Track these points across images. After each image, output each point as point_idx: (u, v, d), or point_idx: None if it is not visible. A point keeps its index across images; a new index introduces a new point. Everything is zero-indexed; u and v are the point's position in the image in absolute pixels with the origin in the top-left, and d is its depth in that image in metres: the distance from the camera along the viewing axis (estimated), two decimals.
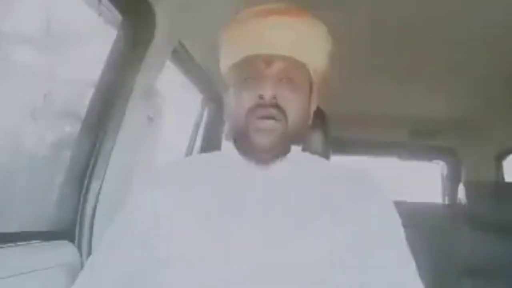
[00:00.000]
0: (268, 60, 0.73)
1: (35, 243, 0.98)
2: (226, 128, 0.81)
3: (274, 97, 0.71)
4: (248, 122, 0.72)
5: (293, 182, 0.74)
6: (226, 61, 0.80)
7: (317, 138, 1.37)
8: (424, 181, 2.87)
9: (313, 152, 0.85)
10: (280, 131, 0.72)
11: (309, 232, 0.69)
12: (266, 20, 0.74)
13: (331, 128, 1.40)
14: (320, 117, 1.27)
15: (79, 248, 1.09)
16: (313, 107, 0.81)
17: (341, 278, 0.66)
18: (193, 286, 0.67)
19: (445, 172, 2.75)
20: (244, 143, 0.75)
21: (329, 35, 0.79)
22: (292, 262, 0.67)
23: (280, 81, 0.73)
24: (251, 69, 0.74)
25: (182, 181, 0.76)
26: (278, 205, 0.71)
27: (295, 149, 0.79)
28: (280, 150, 0.75)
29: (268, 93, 0.71)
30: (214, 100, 1.95)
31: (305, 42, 0.76)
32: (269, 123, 0.71)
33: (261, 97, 0.71)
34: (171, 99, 1.61)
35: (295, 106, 0.73)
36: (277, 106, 0.72)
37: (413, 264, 0.74)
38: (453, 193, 2.39)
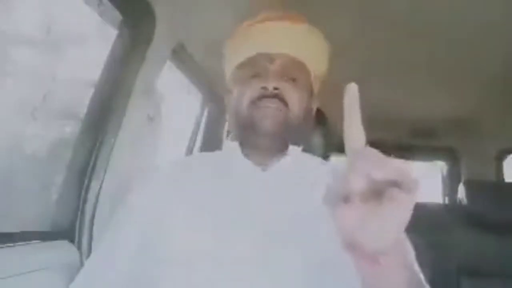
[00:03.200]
0: (272, 57, 0.79)
1: (35, 243, 0.98)
2: (228, 126, 0.83)
3: (277, 88, 0.76)
4: (251, 112, 0.76)
5: (292, 184, 0.74)
6: (231, 64, 0.85)
7: (317, 138, 1.37)
8: (424, 181, 2.87)
9: (313, 152, 0.86)
10: (283, 117, 0.75)
11: (306, 234, 0.69)
12: (269, 25, 0.81)
13: (331, 129, 1.40)
14: (320, 118, 1.27)
15: (79, 248, 1.09)
16: (314, 109, 0.85)
17: (339, 279, 0.65)
18: (193, 285, 0.67)
19: (445, 172, 2.75)
20: (247, 132, 0.77)
21: (327, 41, 0.85)
22: (290, 263, 0.67)
23: (283, 77, 0.78)
24: (255, 67, 0.79)
25: (182, 181, 0.76)
26: (277, 206, 0.71)
27: (296, 150, 0.79)
28: (280, 141, 0.77)
29: (270, 84, 0.75)
30: (214, 100, 1.95)
31: (304, 44, 0.82)
32: (273, 108, 0.75)
33: (264, 88, 0.76)
34: (171, 99, 1.61)
35: (296, 100, 0.77)
36: (279, 96, 0.76)
37: None
38: (453, 193, 2.39)
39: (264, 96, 0.76)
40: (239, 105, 0.78)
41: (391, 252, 0.45)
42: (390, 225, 0.43)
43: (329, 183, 0.44)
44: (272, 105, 0.75)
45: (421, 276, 0.66)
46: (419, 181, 0.41)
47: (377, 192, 0.42)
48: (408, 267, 0.54)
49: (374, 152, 0.43)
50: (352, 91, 0.44)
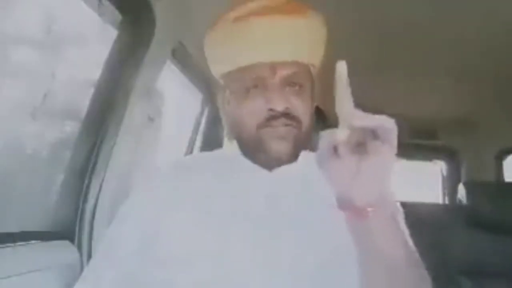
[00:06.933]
0: (272, 67, 0.69)
1: (35, 243, 0.98)
2: (226, 133, 0.79)
3: (286, 108, 0.69)
4: (261, 135, 0.70)
5: (297, 185, 0.72)
6: (220, 67, 0.76)
7: (317, 138, 1.36)
8: (424, 181, 2.87)
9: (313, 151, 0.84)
10: (296, 136, 0.70)
11: (308, 235, 0.68)
12: (266, 21, 0.69)
13: (331, 126, 1.40)
14: (320, 117, 1.26)
15: (79, 248, 1.09)
16: (315, 104, 0.78)
17: (338, 280, 0.65)
18: (193, 285, 0.67)
19: (445, 172, 2.75)
20: (255, 151, 0.72)
21: (325, 25, 0.75)
22: (290, 263, 0.67)
23: (285, 87, 0.70)
24: (253, 78, 0.70)
25: (183, 181, 0.76)
26: (280, 207, 0.71)
27: (303, 152, 0.77)
28: (293, 157, 0.72)
29: (278, 106, 0.68)
30: (214, 100, 1.95)
31: (306, 41, 0.72)
32: (286, 129, 0.69)
33: (271, 110, 0.69)
34: (171, 99, 1.61)
35: (306, 111, 0.71)
36: (290, 115, 0.69)
37: None
38: (453, 193, 2.39)
39: (272, 117, 0.69)
40: (241, 123, 0.71)
41: (378, 207, 0.50)
42: (376, 175, 0.49)
43: (319, 144, 0.49)
44: (283, 124, 0.69)
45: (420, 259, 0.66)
46: (396, 130, 0.47)
47: (362, 145, 0.47)
48: (400, 239, 0.56)
49: (359, 111, 0.48)
50: (341, 68, 0.49)
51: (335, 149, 0.47)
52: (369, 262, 0.56)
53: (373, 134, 0.47)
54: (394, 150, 0.47)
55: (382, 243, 0.53)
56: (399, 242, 0.55)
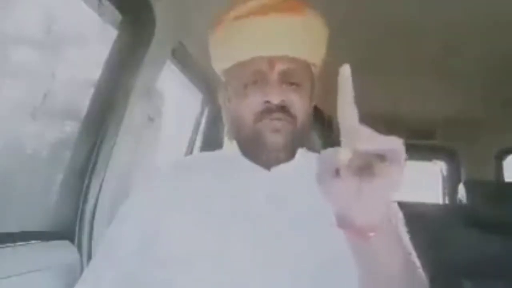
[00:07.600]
0: (271, 61, 0.71)
1: (35, 243, 0.98)
2: (226, 129, 0.80)
3: (282, 100, 0.70)
4: (258, 127, 0.71)
5: (297, 184, 0.72)
6: (221, 63, 0.78)
7: (317, 138, 1.36)
8: (424, 181, 2.87)
9: (312, 150, 0.85)
10: (290, 131, 0.71)
11: (307, 235, 0.68)
12: (265, 19, 0.71)
13: (330, 129, 1.40)
14: (320, 117, 1.27)
15: (79, 248, 1.09)
16: (313, 103, 0.79)
17: (339, 280, 0.65)
18: (192, 285, 0.67)
19: (445, 172, 2.75)
20: (253, 146, 0.73)
21: (327, 26, 0.76)
22: (290, 266, 0.67)
23: (284, 83, 0.71)
24: (252, 73, 0.71)
25: (182, 181, 0.76)
26: (280, 207, 0.71)
27: (301, 151, 0.77)
28: (289, 152, 0.73)
29: (275, 98, 0.69)
30: (214, 100, 1.95)
31: (304, 39, 0.73)
32: (280, 123, 0.70)
33: (267, 102, 0.70)
34: (171, 99, 1.61)
35: (302, 107, 0.72)
36: (286, 109, 0.70)
37: None
38: (453, 193, 2.40)
39: (268, 110, 0.70)
40: (240, 119, 0.73)
41: (381, 228, 0.48)
42: (380, 198, 0.45)
43: (319, 160, 0.45)
44: (278, 118, 0.70)
45: (416, 260, 0.67)
46: (405, 153, 0.43)
47: (367, 166, 0.43)
48: (401, 249, 0.55)
49: (365, 129, 0.44)
50: (345, 72, 0.46)
51: (336, 171, 0.43)
52: (367, 275, 0.56)
53: (380, 156, 0.43)
54: (402, 170, 0.43)
55: (382, 260, 0.53)
56: (399, 256, 0.55)
